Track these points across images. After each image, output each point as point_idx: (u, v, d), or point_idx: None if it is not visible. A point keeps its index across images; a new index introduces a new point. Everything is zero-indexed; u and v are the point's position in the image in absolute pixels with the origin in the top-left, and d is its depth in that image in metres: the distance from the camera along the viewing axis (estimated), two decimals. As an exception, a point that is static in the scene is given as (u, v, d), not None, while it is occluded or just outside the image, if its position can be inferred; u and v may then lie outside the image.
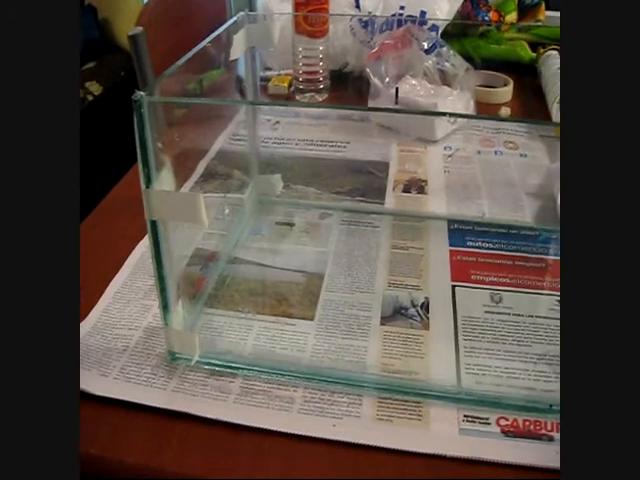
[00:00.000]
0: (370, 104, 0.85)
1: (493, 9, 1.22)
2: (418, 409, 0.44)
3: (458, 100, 0.84)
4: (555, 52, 1.03)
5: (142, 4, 1.69)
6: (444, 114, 0.50)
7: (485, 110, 0.91)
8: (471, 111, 0.87)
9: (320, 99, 0.94)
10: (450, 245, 0.61)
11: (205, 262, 0.58)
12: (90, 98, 1.69)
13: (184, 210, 0.43)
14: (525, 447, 0.42)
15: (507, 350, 0.49)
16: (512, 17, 1.27)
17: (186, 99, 0.50)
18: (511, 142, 0.82)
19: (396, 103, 0.83)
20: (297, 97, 0.95)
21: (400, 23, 0.95)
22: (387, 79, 0.85)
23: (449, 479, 0.40)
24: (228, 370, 0.47)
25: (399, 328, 0.51)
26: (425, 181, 0.72)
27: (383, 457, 0.41)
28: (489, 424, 0.43)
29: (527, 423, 0.44)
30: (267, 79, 1.00)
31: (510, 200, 0.69)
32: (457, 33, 1.11)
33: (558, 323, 0.52)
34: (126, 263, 0.59)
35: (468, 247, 0.61)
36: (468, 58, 1.02)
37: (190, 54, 0.51)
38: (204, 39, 0.55)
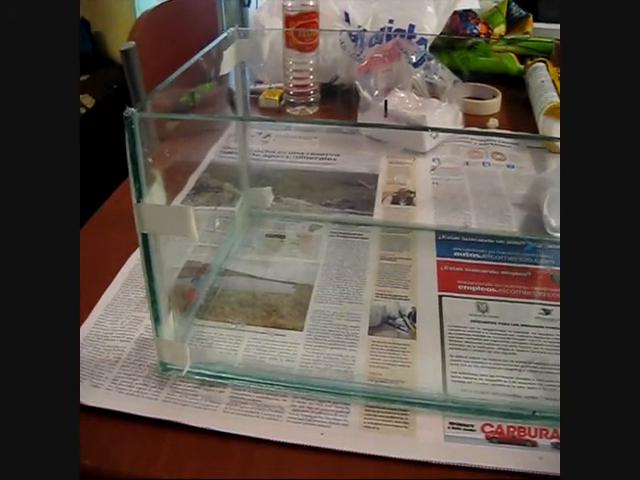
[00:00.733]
0: (360, 117, 0.87)
1: (482, 22, 1.24)
2: (405, 417, 0.45)
3: (446, 112, 0.86)
4: (542, 64, 1.04)
5: (135, 18, 1.71)
6: (426, 129, 0.51)
7: (473, 122, 0.92)
8: (459, 123, 0.88)
9: (311, 112, 0.96)
10: (437, 256, 0.62)
11: (196, 274, 0.59)
12: (83, 111, 1.70)
13: (175, 223, 0.44)
14: (509, 453, 0.43)
15: (492, 358, 0.50)
16: (500, 29, 1.29)
17: (176, 115, 0.51)
18: (499, 153, 0.84)
19: (385, 116, 0.84)
20: (288, 110, 0.96)
21: (389, 37, 0.97)
22: (376, 92, 0.87)
23: (434, 485, 0.41)
24: (218, 380, 0.48)
25: (386, 338, 0.52)
26: (413, 192, 0.73)
27: (370, 464, 0.42)
28: (474, 431, 0.44)
29: (511, 429, 0.44)
30: (258, 92, 1.01)
31: (497, 211, 0.70)
32: (446, 46, 1.12)
33: (542, 331, 0.53)
34: (118, 275, 0.60)
35: (455, 257, 0.62)
36: (457, 70, 1.04)
37: (181, 70, 0.53)
38: (196, 54, 0.57)
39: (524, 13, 1.34)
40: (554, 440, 0.44)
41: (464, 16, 1.21)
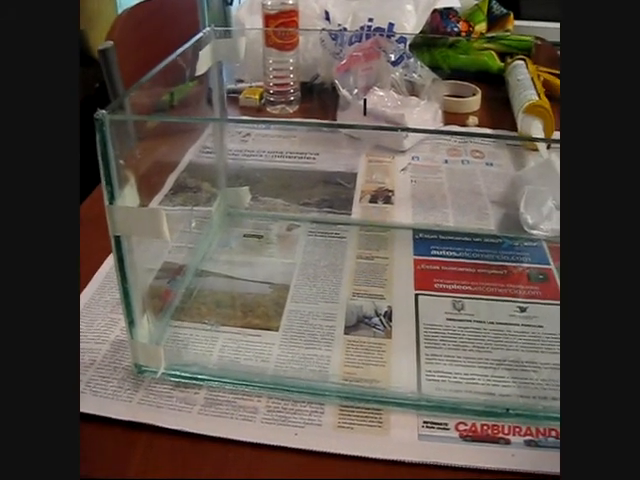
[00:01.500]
0: (339, 115, 0.87)
1: (463, 20, 1.25)
2: (379, 416, 0.45)
3: (425, 111, 0.86)
4: (521, 62, 1.05)
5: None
6: (404, 129, 0.51)
7: (453, 119, 0.92)
8: (439, 121, 0.89)
9: (291, 111, 0.96)
10: (415, 254, 0.62)
11: (173, 275, 0.59)
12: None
13: (146, 225, 0.44)
14: (482, 451, 0.43)
15: (467, 357, 0.50)
16: (481, 27, 1.29)
17: (147, 117, 0.51)
18: (478, 151, 0.84)
19: (365, 114, 0.84)
20: (268, 109, 0.96)
21: (369, 35, 0.97)
22: (355, 90, 0.87)
23: (408, 484, 0.41)
24: (193, 382, 0.48)
25: (362, 337, 0.52)
26: (392, 191, 0.74)
27: (344, 464, 0.42)
28: (448, 429, 0.44)
29: (485, 427, 0.45)
30: (239, 91, 1.01)
31: (475, 208, 0.71)
32: (427, 44, 1.13)
33: (518, 329, 0.54)
34: (95, 277, 0.59)
35: (432, 256, 0.62)
36: (438, 68, 1.04)
37: (155, 70, 0.52)
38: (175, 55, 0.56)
39: (505, 11, 1.34)
40: (527, 437, 0.44)
41: (445, 14, 1.21)
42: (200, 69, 0.61)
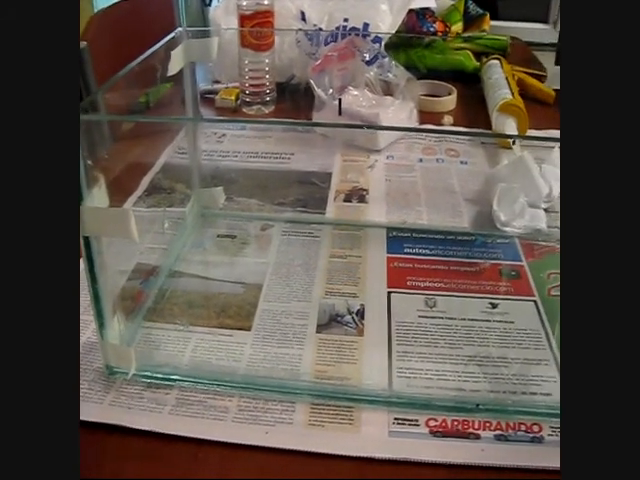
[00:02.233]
0: (315, 116, 0.87)
1: (439, 20, 1.25)
2: (350, 414, 0.45)
3: (400, 110, 0.86)
4: (496, 62, 1.06)
5: (94, 19, 1.68)
6: (378, 128, 0.51)
7: (428, 119, 0.92)
8: (414, 120, 0.89)
9: (267, 111, 0.95)
10: (388, 252, 0.62)
11: (146, 276, 0.59)
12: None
13: (115, 226, 0.44)
14: (452, 446, 0.43)
15: (439, 353, 0.51)
16: (458, 27, 1.30)
17: (116, 117, 0.51)
18: (453, 150, 0.84)
19: (339, 114, 0.84)
20: (244, 110, 0.96)
21: (344, 35, 0.97)
22: (331, 90, 0.87)
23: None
24: (165, 382, 0.48)
25: (334, 335, 0.52)
26: (366, 190, 0.74)
27: (314, 462, 0.42)
28: (418, 425, 0.45)
29: (455, 423, 0.45)
30: (215, 92, 1.01)
31: (449, 206, 0.71)
32: (403, 43, 1.14)
33: (489, 325, 0.54)
34: (67, 279, 0.59)
35: (405, 254, 0.62)
36: (414, 68, 1.05)
37: (124, 71, 0.52)
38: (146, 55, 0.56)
39: (481, 11, 1.35)
40: (497, 432, 0.44)
41: (421, 14, 1.21)
42: (172, 69, 0.61)
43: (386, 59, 0.90)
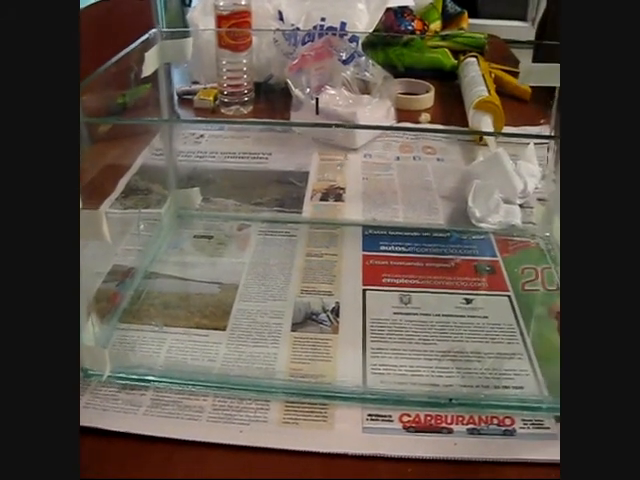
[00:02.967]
0: (292, 115, 0.87)
1: (417, 18, 1.26)
2: (324, 411, 0.46)
3: (377, 108, 0.86)
4: (474, 59, 1.06)
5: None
6: (356, 127, 0.51)
7: (406, 117, 0.93)
8: (391, 118, 0.89)
9: (245, 111, 0.96)
10: (364, 250, 0.63)
11: (122, 278, 0.59)
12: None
13: (87, 228, 0.44)
14: (425, 441, 0.44)
15: (413, 349, 0.51)
16: (436, 25, 1.31)
17: (88, 119, 0.51)
18: (429, 147, 0.85)
19: (317, 113, 0.84)
20: (222, 110, 0.96)
21: (321, 35, 0.97)
22: (308, 90, 0.87)
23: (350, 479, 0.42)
24: (140, 383, 0.48)
25: (309, 333, 0.52)
26: (343, 189, 0.74)
27: (288, 459, 0.42)
28: (392, 421, 0.45)
29: (428, 418, 0.45)
30: (193, 93, 1.01)
31: (425, 204, 0.72)
32: (381, 42, 1.14)
33: (463, 320, 0.54)
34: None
35: (381, 251, 0.63)
36: (392, 66, 1.05)
37: (97, 72, 0.52)
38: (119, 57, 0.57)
39: (459, 9, 1.36)
40: (470, 426, 0.45)
41: (399, 13, 1.22)
42: (146, 71, 0.61)
43: (363, 58, 0.90)
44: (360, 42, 0.95)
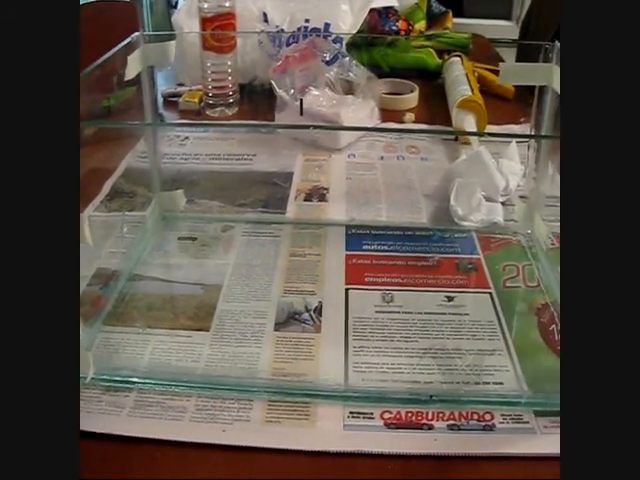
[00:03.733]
0: (277, 117, 0.87)
1: (402, 18, 1.27)
2: (306, 409, 0.46)
3: (361, 108, 0.87)
4: (457, 59, 1.07)
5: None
6: (331, 128, 0.52)
7: (390, 117, 0.94)
8: (375, 119, 0.90)
9: (230, 113, 0.96)
10: (347, 250, 0.63)
11: (106, 281, 0.59)
12: None
13: (67, 231, 0.44)
14: (406, 437, 0.44)
15: (394, 347, 0.52)
16: (421, 25, 1.32)
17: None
18: (413, 147, 0.86)
19: (301, 114, 0.85)
20: (207, 112, 0.96)
21: (306, 36, 0.98)
22: (292, 91, 0.87)
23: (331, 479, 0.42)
24: (124, 385, 0.48)
25: (292, 333, 0.53)
26: (327, 189, 0.75)
27: (270, 458, 0.43)
28: (373, 418, 0.45)
29: (409, 414, 0.46)
30: (179, 95, 1.01)
31: (408, 203, 0.72)
32: (366, 43, 1.15)
33: (445, 317, 0.55)
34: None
35: (364, 251, 0.63)
36: (377, 67, 1.06)
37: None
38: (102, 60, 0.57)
39: (444, 9, 1.37)
40: (450, 422, 0.45)
41: (384, 13, 1.23)
42: (129, 74, 0.61)
43: (346, 59, 0.91)
44: (344, 43, 0.96)
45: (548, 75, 0.61)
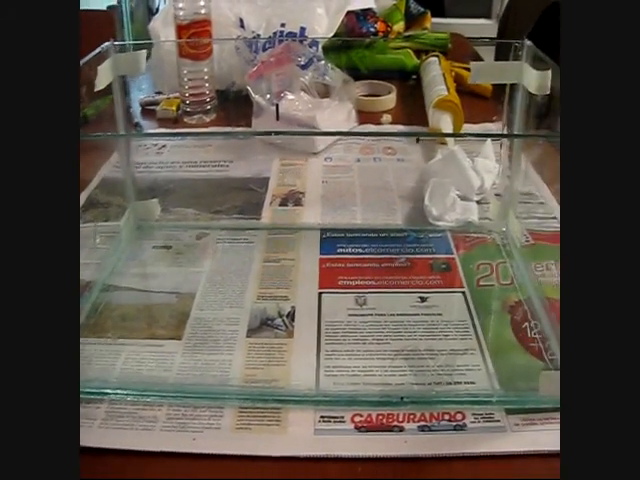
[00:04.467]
0: (254, 122, 0.88)
1: (380, 20, 1.27)
2: (277, 415, 0.46)
3: (337, 111, 0.87)
4: (435, 59, 1.07)
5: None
6: (306, 133, 0.52)
7: (368, 118, 0.94)
8: (353, 121, 0.90)
9: (208, 120, 0.96)
10: (321, 254, 0.63)
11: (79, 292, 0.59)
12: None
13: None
14: (376, 440, 0.44)
15: (367, 349, 0.52)
16: (399, 26, 1.32)
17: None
18: (390, 148, 0.86)
19: (277, 119, 0.85)
20: (185, 119, 0.96)
21: (282, 41, 0.98)
22: (268, 96, 0.88)
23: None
24: (96, 397, 0.48)
25: (264, 339, 0.53)
26: (303, 193, 0.75)
27: (241, 464, 0.43)
28: (344, 422, 0.45)
29: (380, 417, 0.46)
30: (157, 103, 1.01)
31: (384, 204, 0.72)
32: (344, 45, 1.15)
33: (417, 318, 0.55)
34: None
35: (338, 254, 0.63)
36: (355, 69, 1.06)
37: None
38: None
39: (422, 10, 1.37)
40: (421, 423, 0.45)
41: (362, 15, 1.23)
42: (100, 84, 0.61)
43: (322, 62, 0.91)
44: (320, 46, 0.96)
45: (518, 73, 0.61)
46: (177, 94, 1.00)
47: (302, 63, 0.89)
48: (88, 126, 0.62)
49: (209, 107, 0.96)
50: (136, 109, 1.01)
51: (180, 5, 0.95)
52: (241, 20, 1.06)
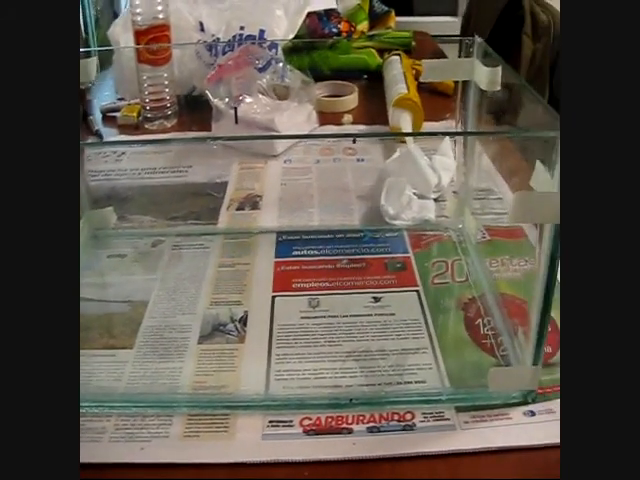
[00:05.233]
0: (214, 126, 0.87)
1: (344, 20, 1.27)
2: (225, 421, 0.46)
3: (296, 113, 0.87)
4: (397, 57, 1.08)
5: None
6: (265, 137, 0.52)
7: (330, 119, 0.94)
8: (313, 122, 0.90)
9: (169, 125, 0.95)
10: (276, 257, 0.63)
11: (32, 304, 0.58)
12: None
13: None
14: (324, 443, 0.44)
15: (318, 352, 0.52)
16: (363, 26, 1.32)
17: None
18: (350, 148, 0.86)
19: (236, 123, 0.85)
20: (146, 125, 0.96)
21: (241, 44, 0.98)
22: (227, 100, 0.87)
23: (249, 484, 0.42)
24: (44, 410, 0.48)
25: (215, 345, 0.52)
26: (260, 196, 0.75)
27: (188, 472, 0.43)
28: (292, 426, 0.45)
29: (329, 420, 0.46)
30: (118, 109, 1.00)
31: (341, 205, 0.72)
32: (306, 47, 1.15)
33: (370, 319, 0.55)
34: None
35: (293, 257, 0.63)
36: (319, 70, 1.06)
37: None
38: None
39: (386, 9, 1.38)
40: (370, 424, 0.45)
41: (324, 16, 1.23)
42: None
43: (280, 64, 0.91)
44: (280, 48, 0.96)
45: (470, 70, 0.62)
46: (138, 100, 0.99)
47: (260, 66, 0.89)
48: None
49: (170, 112, 0.96)
50: (97, 116, 1.00)
51: (138, 10, 0.94)
52: (201, 24, 1.06)
